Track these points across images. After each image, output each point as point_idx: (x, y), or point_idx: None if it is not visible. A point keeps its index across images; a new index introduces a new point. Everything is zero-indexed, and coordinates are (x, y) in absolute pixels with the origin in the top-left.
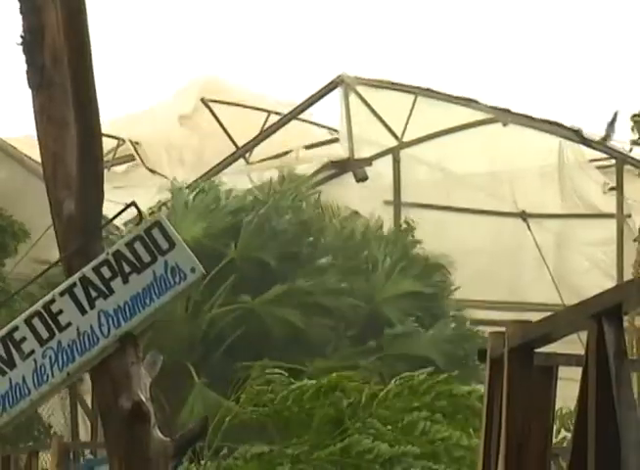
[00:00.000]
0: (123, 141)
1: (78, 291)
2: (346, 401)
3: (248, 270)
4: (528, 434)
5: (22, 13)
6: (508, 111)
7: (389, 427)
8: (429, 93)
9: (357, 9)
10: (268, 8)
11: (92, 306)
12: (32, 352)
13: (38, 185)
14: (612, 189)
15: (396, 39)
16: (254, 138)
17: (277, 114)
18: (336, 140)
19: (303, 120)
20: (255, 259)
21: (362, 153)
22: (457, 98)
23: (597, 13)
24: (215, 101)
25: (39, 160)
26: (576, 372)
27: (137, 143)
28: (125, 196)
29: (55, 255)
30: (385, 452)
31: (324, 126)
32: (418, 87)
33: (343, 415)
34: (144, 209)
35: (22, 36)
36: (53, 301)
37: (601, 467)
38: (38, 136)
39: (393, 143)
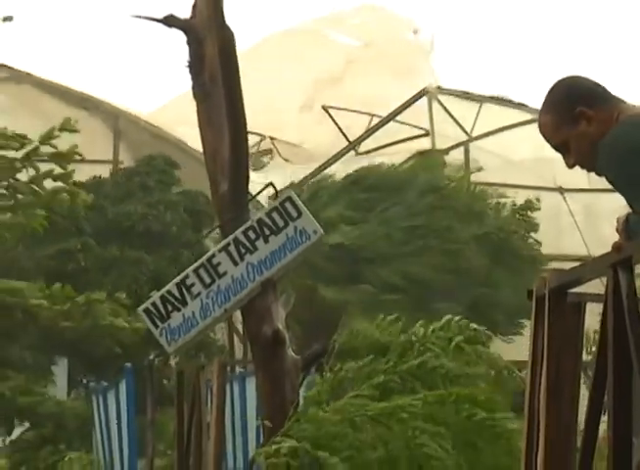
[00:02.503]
0: (264, 137)
1: (232, 248)
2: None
3: None
4: (564, 354)
5: (188, 43)
6: None
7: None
8: (491, 100)
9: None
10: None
11: (242, 260)
12: (199, 293)
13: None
14: None
15: (470, 54)
16: (363, 134)
17: (379, 116)
18: (422, 136)
19: (398, 121)
20: None
21: (441, 145)
22: (511, 103)
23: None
24: (332, 107)
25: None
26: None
27: (274, 138)
28: (266, 178)
29: None
30: (451, 369)
31: (413, 125)
32: (483, 95)
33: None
34: (279, 188)
35: (188, 61)
36: (213, 256)
37: (617, 382)
38: (201, 135)
39: (464, 138)
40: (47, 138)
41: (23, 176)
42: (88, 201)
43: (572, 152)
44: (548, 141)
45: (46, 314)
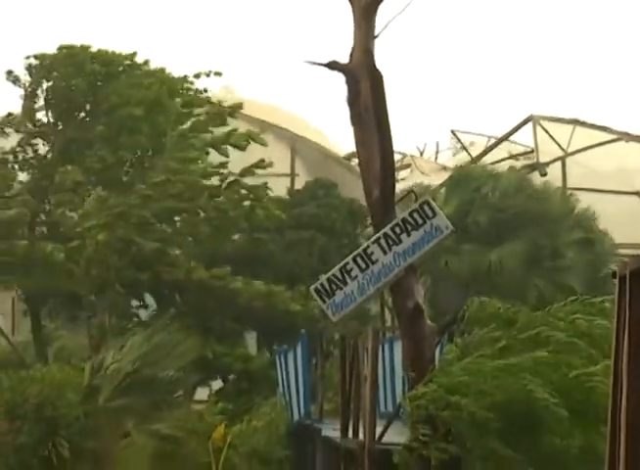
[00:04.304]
0: (406, 155)
1: (382, 241)
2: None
3: None
4: None
5: (346, 83)
6: (627, 133)
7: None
8: (582, 123)
9: (532, 64)
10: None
11: (390, 249)
12: (357, 276)
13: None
14: None
15: (569, 82)
16: (482, 152)
17: (494, 137)
18: (528, 152)
19: (510, 141)
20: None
21: (544, 159)
22: (597, 126)
23: None
24: (459, 131)
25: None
26: None
27: (413, 156)
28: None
29: None
30: (561, 338)
31: (520, 144)
32: (576, 120)
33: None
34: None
35: (347, 97)
36: (368, 247)
37: None
38: (357, 153)
39: (561, 153)
40: (246, 172)
41: None
42: (280, 216)
43: None
44: None
45: (243, 296)
